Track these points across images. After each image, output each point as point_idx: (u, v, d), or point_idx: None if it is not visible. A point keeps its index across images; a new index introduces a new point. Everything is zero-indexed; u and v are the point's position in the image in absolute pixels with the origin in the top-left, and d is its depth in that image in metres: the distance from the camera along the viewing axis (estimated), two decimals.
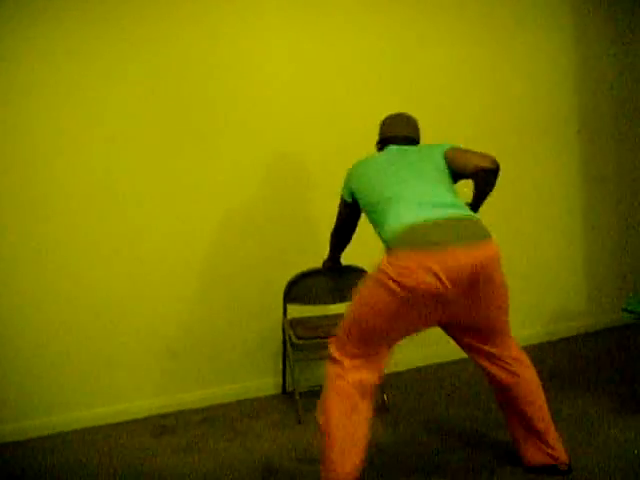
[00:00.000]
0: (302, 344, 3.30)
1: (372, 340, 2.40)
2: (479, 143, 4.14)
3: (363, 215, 2.77)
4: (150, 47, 3.39)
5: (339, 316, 3.47)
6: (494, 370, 2.58)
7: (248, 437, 3.17)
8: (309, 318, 3.53)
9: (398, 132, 2.81)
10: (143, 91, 3.39)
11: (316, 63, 3.73)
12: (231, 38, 3.55)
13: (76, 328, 3.36)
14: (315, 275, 3.39)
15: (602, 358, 4.00)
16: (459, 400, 3.46)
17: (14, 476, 2.90)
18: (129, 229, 3.42)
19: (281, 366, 3.71)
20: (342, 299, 3.47)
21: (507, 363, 2.57)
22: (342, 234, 3.05)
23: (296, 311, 3.56)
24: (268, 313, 3.68)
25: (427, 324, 2.45)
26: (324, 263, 3.33)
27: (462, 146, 2.68)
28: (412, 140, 2.82)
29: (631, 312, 3.06)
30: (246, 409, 3.53)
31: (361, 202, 2.65)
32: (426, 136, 3.90)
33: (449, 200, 2.45)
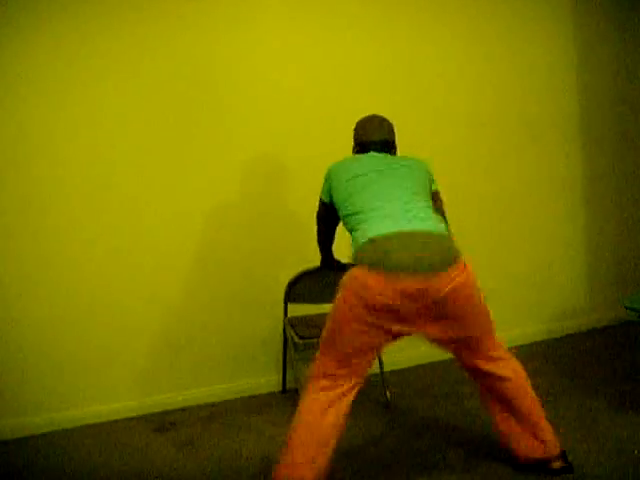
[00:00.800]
0: (303, 343, 3.30)
1: (342, 352, 2.42)
2: (479, 140, 4.17)
3: None
4: (143, 47, 3.38)
5: None
6: (481, 371, 2.59)
7: (249, 434, 3.18)
8: (310, 317, 3.53)
9: (375, 137, 2.77)
10: (137, 89, 3.39)
11: (309, 62, 3.72)
12: (221, 38, 3.53)
13: (76, 325, 3.36)
14: (315, 274, 3.38)
15: (603, 355, 4.00)
16: (459, 397, 3.46)
17: (13, 474, 2.90)
18: (128, 226, 3.42)
19: (282, 364, 3.71)
20: None
21: (493, 363, 2.58)
22: (325, 235, 3.06)
23: (297, 310, 3.56)
24: (269, 311, 3.69)
25: (395, 337, 2.46)
26: (321, 265, 3.30)
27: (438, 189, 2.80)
28: (389, 144, 2.79)
29: (633, 310, 3.06)
30: (247, 406, 3.54)
31: (339, 210, 2.65)
32: (423, 134, 3.93)
33: (425, 216, 2.48)
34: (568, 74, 4.41)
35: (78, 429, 3.34)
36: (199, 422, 3.36)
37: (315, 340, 3.28)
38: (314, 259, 3.36)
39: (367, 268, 2.33)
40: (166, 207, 3.49)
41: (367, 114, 2.88)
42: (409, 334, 2.49)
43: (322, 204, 2.86)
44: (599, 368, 3.77)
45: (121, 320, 3.45)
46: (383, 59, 3.89)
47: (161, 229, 3.49)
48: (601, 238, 4.62)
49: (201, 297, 3.60)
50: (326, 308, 3.56)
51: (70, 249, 3.33)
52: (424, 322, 2.43)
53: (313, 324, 3.39)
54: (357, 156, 2.75)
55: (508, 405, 2.58)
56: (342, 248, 3.05)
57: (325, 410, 2.39)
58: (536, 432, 2.56)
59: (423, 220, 2.45)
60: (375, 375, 3.42)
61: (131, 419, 3.44)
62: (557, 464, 2.56)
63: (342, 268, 3.14)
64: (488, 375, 2.58)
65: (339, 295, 2.42)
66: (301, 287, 3.40)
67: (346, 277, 2.42)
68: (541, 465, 2.58)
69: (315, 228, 3.05)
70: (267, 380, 3.74)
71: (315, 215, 2.99)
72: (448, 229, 2.57)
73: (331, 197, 2.74)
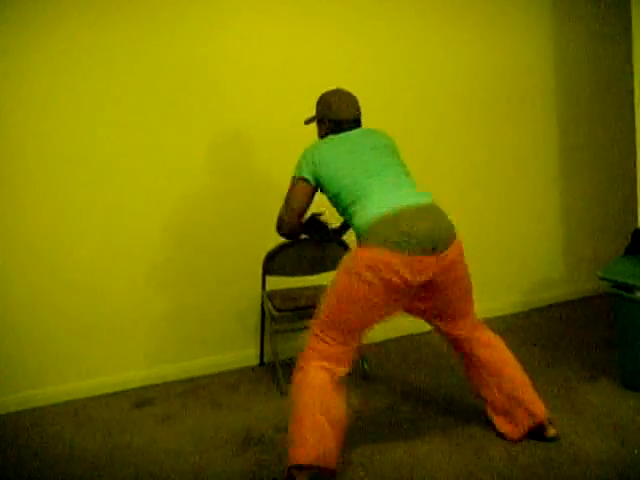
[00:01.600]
0: (281, 316, 3.30)
1: (347, 330, 2.42)
2: (455, 115, 4.16)
3: None
4: (112, 23, 3.33)
5: (318, 287, 3.48)
6: (464, 347, 2.65)
7: (228, 408, 3.18)
8: (287, 290, 3.52)
9: (350, 115, 2.70)
10: (110, 69, 3.34)
11: (283, 38, 3.68)
12: (193, 15, 3.48)
13: (53, 302, 3.33)
14: (293, 247, 3.37)
15: (579, 326, 4.05)
16: (436, 369, 3.49)
17: None
18: (109, 204, 3.39)
19: (259, 338, 3.71)
20: (321, 270, 3.46)
21: (475, 330, 2.65)
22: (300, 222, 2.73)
23: (275, 283, 3.55)
24: (247, 285, 3.67)
25: (395, 310, 2.51)
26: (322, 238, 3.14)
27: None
28: (359, 120, 2.75)
29: (607, 280, 3.09)
30: (226, 380, 3.54)
31: (331, 190, 2.57)
32: (399, 110, 3.92)
33: (414, 188, 2.55)
34: (544, 50, 4.40)
35: (56, 406, 3.32)
36: (178, 397, 3.35)
37: (292, 313, 3.30)
38: None
39: (387, 248, 2.32)
40: (141, 183, 3.45)
41: (332, 88, 2.80)
42: (407, 308, 2.57)
43: (305, 185, 2.60)
44: (575, 339, 3.82)
45: (98, 297, 3.42)
46: (360, 36, 3.86)
47: (135, 206, 3.45)
48: (577, 210, 4.65)
49: (178, 272, 3.57)
50: (304, 280, 3.59)
51: (51, 230, 3.29)
52: (421, 296, 2.51)
53: (291, 297, 3.38)
54: (336, 137, 2.66)
55: (491, 371, 2.61)
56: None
57: (334, 388, 2.40)
58: (521, 401, 2.59)
59: (420, 194, 2.50)
60: None
61: (109, 395, 3.42)
62: (552, 431, 2.61)
63: (331, 235, 3.10)
64: (471, 341, 2.62)
65: (352, 273, 2.38)
66: (279, 259, 3.38)
67: (360, 254, 2.39)
68: (533, 432, 2.62)
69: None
70: (245, 354, 3.74)
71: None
72: None
73: (316, 180, 2.61)
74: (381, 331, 3.92)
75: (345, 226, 3.07)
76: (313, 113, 2.84)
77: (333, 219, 2.90)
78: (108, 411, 3.23)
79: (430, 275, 2.39)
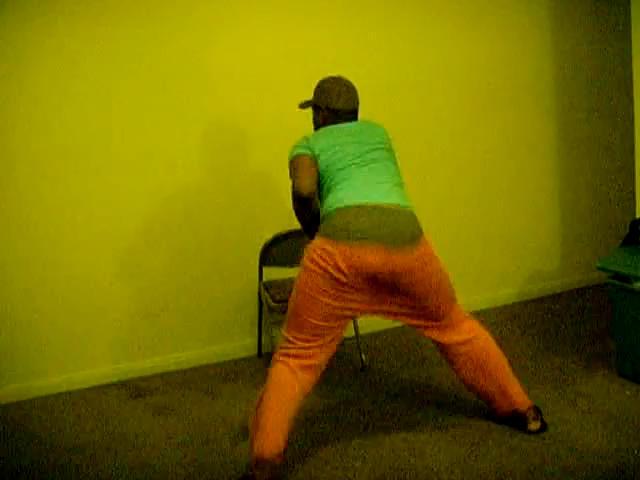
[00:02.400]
0: (278, 307, 3.29)
1: (307, 327, 2.42)
2: (453, 107, 4.14)
3: None
4: (109, 11, 3.30)
5: None
6: (445, 341, 2.61)
7: (225, 399, 3.18)
8: (285, 280, 3.51)
9: (348, 106, 2.68)
10: (105, 55, 3.31)
11: (279, 29, 3.65)
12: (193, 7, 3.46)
13: (50, 293, 3.32)
14: (290, 237, 3.36)
15: (575, 317, 4.05)
16: (433, 360, 3.48)
17: None
18: (104, 190, 3.37)
19: (257, 328, 3.70)
20: None
21: (452, 331, 2.60)
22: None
23: (272, 273, 3.54)
24: (244, 276, 3.66)
25: (355, 310, 2.48)
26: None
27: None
28: (357, 111, 2.74)
29: (606, 271, 3.09)
30: (222, 371, 3.53)
31: (321, 179, 2.55)
32: (399, 100, 3.91)
33: (389, 188, 2.51)
34: (543, 42, 4.38)
35: (52, 397, 3.31)
36: (175, 388, 3.35)
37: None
38: (289, 222, 3.34)
39: (330, 238, 2.35)
40: (137, 172, 3.43)
41: (331, 75, 2.78)
42: (368, 312, 2.52)
43: (311, 160, 2.54)
44: (571, 329, 3.82)
45: (95, 287, 3.40)
46: (358, 28, 3.82)
47: (133, 195, 3.43)
48: (574, 201, 4.64)
49: (175, 262, 3.56)
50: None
51: (48, 219, 3.28)
52: (383, 298, 2.46)
53: (288, 287, 3.37)
54: (336, 127, 2.64)
55: (474, 366, 2.60)
56: None
57: (291, 387, 2.42)
58: (504, 389, 2.60)
59: (391, 195, 2.48)
60: (350, 338, 3.43)
61: (106, 386, 3.42)
62: (533, 426, 2.60)
63: None
64: (450, 344, 2.60)
65: (304, 266, 2.42)
66: (276, 250, 3.38)
67: (310, 247, 2.42)
68: (516, 421, 2.62)
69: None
70: (242, 344, 3.74)
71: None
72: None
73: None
74: (377, 322, 3.92)
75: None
76: (309, 97, 2.81)
77: None
78: (105, 402, 3.23)
79: (371, 272, 2.35)
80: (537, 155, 4.48)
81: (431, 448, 2.57)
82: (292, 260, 3.42)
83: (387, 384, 3.23)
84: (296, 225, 3.19)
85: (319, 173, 2.54)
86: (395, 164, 2.65)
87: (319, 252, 2.37)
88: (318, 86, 2.76)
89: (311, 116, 2.82)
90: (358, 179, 2.48)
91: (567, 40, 4.46)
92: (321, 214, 2.52)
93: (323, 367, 2.50)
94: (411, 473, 2.41)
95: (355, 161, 2.52)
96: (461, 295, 2.72)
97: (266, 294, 3.37)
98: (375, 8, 3.86)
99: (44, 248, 3.29)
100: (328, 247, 2.35)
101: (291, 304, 2.48)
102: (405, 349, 3.69)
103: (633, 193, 3.61)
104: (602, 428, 2.63)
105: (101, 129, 3.35)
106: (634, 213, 3.61)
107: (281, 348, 2.48)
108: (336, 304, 2.40)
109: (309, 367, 2.44)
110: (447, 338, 2.59)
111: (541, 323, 3.98)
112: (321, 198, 2.58)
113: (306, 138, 2.61)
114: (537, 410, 2.63)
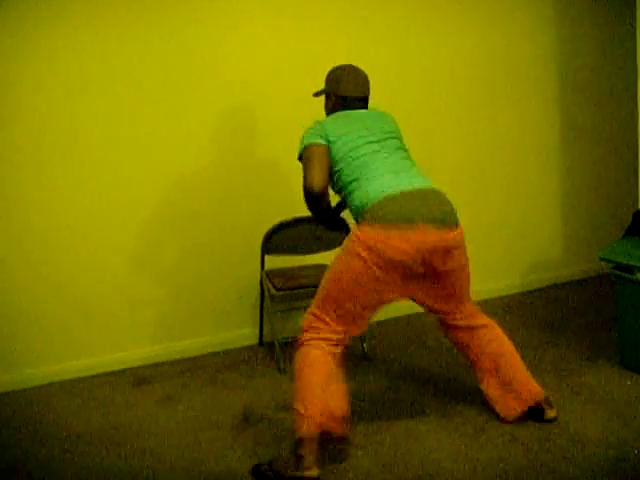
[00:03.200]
0: (280, 295, 3.29)
1: (345, 312, 2.42)
2: (457, 99, 4.13)
3: None
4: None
5: (317, 266, 3.47)
6: (460, 335, 2.66)
7: (228, 387, 3.18)
8: (287, 269, 3.51)
9: (360, 93, 2.68)
10: (113, 43, 3.30)
11: (286, 17, 3.64)
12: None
13: (51, 281, 3.32)
14: (293, 225, 3.35)
15: (577, 308, 4.05)
16: (436, 349, 3.49)
17: None
18: (106, 179, 3.36)
19: (258, 317, 3.70)
20: (320, 249, 3.46)
21: (471, 318, 2.65)
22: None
23: (274, 262, 3.54)
24: (246, 264, 3.66)
25: (396, 295, 2.49)
26: (327, 226, 2.91)
27: None
28: (366, 100, 2.74)
29: (608, 261, 3.09)
30: (225, 360, 3.54)
31: (333, 166, 2.53)
32: (404, 88, 3.89)
33: (418, 173, 2.53)
34: (547, 35, 4.36)
35: (54, 385, 3.32)
36: (177, 376, 3.36)
37: (291, 292, 3.29)
38: (292, 210, 3.33)
39: (386, 225, 2.32)
40: (140, 162, 3.42)
41: (342, 63, 2.77)
42: (404, 296, 2.53)
43: (323, 147, 2.51)
44: (574, 320, 3.82)
45: (97, 276, 3.40)
46: (365, 20, 3.81)
47: (134, 185, 3.42)
48: (577, 191, 4.63)
49: (177, 251, 3.56)
50: (304, 259, 3.58)
51: (49, 208, 3.27)
52: (423, 280, 2.47)
53: (290, 276, 3.37)
54: (344, 114, 2.63)
55: (487, 356, 2.62)
56: None
57: (332, 366, 2.41)
58: (516, 384, 2.60)
59: (423, 179, 2.49)
60: None
61: (108, 374, 3.42)
62: (550, 413, 2.62)
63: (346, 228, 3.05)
64: (466, 328, 2.63)
65: (352, 253, 2.37)
66: (278, 238, 3.36)
67: (360, 235, 2.37)
68: (532, 413, 2.63)
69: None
70: (244, 333, 3.74)
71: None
72: None
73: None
74: (381, 311, 3.92)
75: (339, 207, 3.04)
76: (323, 86, 2.79)
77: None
78: (107, 390, 3.23)
79: (430, 247, 2.34)
80: (540, 146, 4.46)
81: (433, 437, 2.57)
82: (294, 248, 3.43)
83: (389, 373, 3.24)
84: (300, 213, 3.20)
85: (334, 160, 2.52)
86: (408, 151, 2.66)
87: (373, 241, 2.32)
88: (329, 74, 2.76)
89: (317, 105, 2.81)
90: (386, 165, 2.46)
91: (571, 33, 4.44)
92: (356, 203, 2.45)
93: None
94: (412, 462, 2.41)
95: (374, 147, 2.50)
96: None
97: (268, 283, 3.37)
98: (379, 2, 3.85)
99: (45, 237, 3.28)
100: (383, 234, 2.32)
101: (329, 285, 2.44)
102: (407, 338, 3.70)
103: (636, 184, 3.60)
104: (604, 418, 2.64)
105: (110, 121, 3.33)
106: (637, 204, 3.60)
107: (311, 329, 2.45)
108: (382, 293, 2.41)
109: (339, 346, 2.45)
110: (468, 322, 2.63)
111: (543, 313, 3.98)
112: (341, 186, 2.54)
113: (319, 122, 2.59)
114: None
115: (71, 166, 3.29)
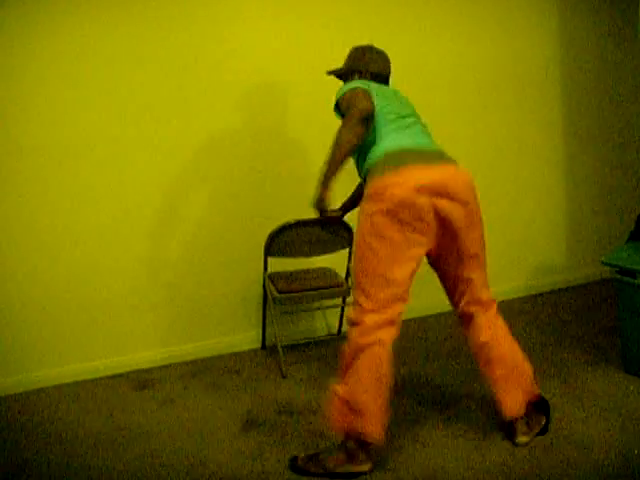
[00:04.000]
0: (283, 298, 3.29)
1: (385, 281, 2.32)
2: (461, 102, 4.12)
3: None
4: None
5: (320, 269, 3.47)
6: (474, 325, 2.56)
7: (230, 390, 3.18)
8: (290, 272, 3.51)
9: (386, 70, 2.73)
10: (127, 29, 3.30)
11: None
12: None
13: (54, 284, 3.31)
14: (296, 228, 3.34)
15: (581, 312, 4.04)
16: (439, 354, 3.48)
17: None
18: (111, 181, 3.36)
19: (261, 320, 3.70)
20: (323, 251, 3.45)
21: (481, 307, 2.59)
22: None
23: (277, 264, 3.54)
24: (249, 267, 3.66)
25: (421, 246, 2.38)
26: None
27: None
28: (388, 79, 2.77)
29: (611, 266, 3.08)
30: (227, 363, 3.53)
31: (372, 120, 2.48)
32: (407, 96, 3.89)
33: (435, 142, 2.56)
34: (551, 37, 4.37)
35: (57, 387, 3.32)
36: (179, 380, 3.35)
37: (294, 294, 3.28)
38: (295, 212, 3.33)
39: (400, 167, 2.31)
40: (145, 165, 3.42)
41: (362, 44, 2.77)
42: (430, 248, 2.45)
43: (360, 89, 2.44)
44: (577, 324, 3.81)
45: (99, 280, 3.40)
46: (372, 17, 3.82)
47: (137, 186, 3.42)
48: (581, 196, 4.63)
49: (180, 253, 3.56)
50: (307, 262, 3.58)
51: (51, 211, 3.27)
52: (437, 232, 2.41)
53: (293, 279, 3.37)
54: (380, 86, 2.60)
55: (497, 355, 2.55)
56: None
57: (386, 359, 2.35)
58: (520, 383, 2.56)
59: (445, 153, 2.50)
60: None
61: (110, 377, 3.42)
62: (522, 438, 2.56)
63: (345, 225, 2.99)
64: (482, 319, 2.56)
65: (371, 213, 2.32)
66: (281, 241, 3.36)
67: (375, 190, 2.32)
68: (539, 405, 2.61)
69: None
70: (247, 336, 3.74)
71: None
72: None
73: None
74: None
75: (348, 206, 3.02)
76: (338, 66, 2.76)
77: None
78: (109, 393, 3.23)
79: (444, 184, 2.32)
80: (544, 150, 4.47)
81: (436, 442, 2.57)
82: (297, 251, 3.42)
83: (391, 378, 3.23)
84: (302, 216, 3.21)
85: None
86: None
87: (387, 188, 2.28)
88: (350, 53, 2.77)
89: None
90: (411, 131, 2.48)
91: (575, 39, 4.44)
92: (373, 153, 2.44)
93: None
94: (415, 467, 2.41)
95: (401, 119, 2.50)
96: None
97: (271, 285, 3.37)
98: (385, 8, 3.85)
99: (47, 240, 3.29)
100: (398, 177, 2.29)
101: (363, 265, 2.36)
102: (412, 343, 3.69)
103: None
104: (607, 423, 2.63)
105: (118, 119, 3.34)
106: None
107: (357, 323, 2.36)
108: (403, 237, 2.31)
109: (392, 322, 2.37)
110: (489, 319, 2.57)
111: (547, 318, 3.98)
112: (367, 142, 2.49)
113: (358, 82, 2.53)
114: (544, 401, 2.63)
115: (76, 170, 3.29)
